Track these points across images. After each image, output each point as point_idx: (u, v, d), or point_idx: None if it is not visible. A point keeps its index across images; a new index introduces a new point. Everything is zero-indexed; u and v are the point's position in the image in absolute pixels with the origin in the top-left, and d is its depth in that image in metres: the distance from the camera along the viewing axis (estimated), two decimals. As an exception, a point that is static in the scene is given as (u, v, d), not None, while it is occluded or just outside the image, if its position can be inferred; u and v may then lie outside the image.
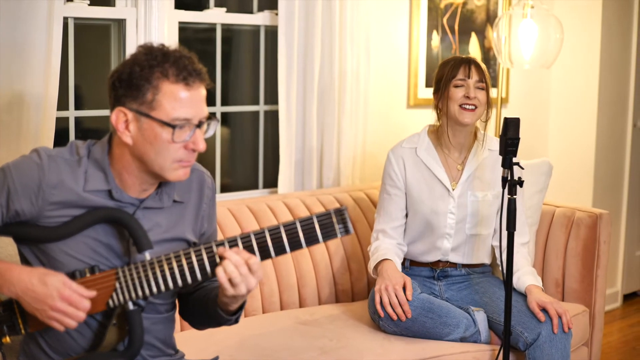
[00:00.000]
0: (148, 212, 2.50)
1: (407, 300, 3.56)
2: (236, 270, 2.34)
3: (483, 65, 3.81)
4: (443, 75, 3.79)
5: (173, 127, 2.35)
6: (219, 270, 2.35)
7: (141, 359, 2.56)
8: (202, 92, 2.43)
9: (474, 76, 3.74)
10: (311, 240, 2.34)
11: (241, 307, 2.58)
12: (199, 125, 2.41)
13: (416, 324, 3.56)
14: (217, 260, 2.38)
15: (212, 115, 2.46)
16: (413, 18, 5.04)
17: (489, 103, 3.80)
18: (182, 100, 2.36)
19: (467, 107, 3.73)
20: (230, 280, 2.36)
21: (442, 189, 3.82)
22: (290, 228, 2.34)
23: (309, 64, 4.37)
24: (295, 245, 2.35)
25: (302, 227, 2.34)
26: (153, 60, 2.36)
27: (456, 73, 3.75)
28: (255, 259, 2.36)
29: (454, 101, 3.75)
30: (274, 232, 2.35)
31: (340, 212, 2.33)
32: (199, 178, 2.66)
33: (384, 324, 3.62)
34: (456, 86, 3.75)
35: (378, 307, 3.59)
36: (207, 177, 2.69)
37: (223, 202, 3.95)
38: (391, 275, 3.65)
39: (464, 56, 3.84)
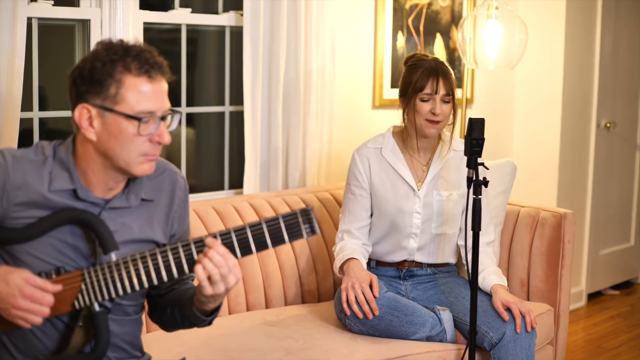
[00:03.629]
0: (114, 213, 2.49)
1: (374, 297, 3.57)
2: (216, 269, 2.34)
3: (450, 71, 3.80)
4: (410, 83, 3.78)
5: (139, 120, 2.35)
6: (198, 269, 2.35)
7: (107, 360, 2.56)
8: (164, 85, 2.44)
9: (441, 90, 3.73)
10: (277, 240, 2.34)
11: (217, 308, 2.58)
12: (163, 118, 2.41)
13: (382, 322, 3.57)
14: (183, 260, 2.37)
15: (174, 109, 2.47)
16: (378, 19, 5.05)
17: (454, 108, 3.80)
18: (146, 93, 2.37)
19: (433, 120, 3.74)
20: (209, 279, 2.36)
21: (407, 188, 3.83)
22: (256, 228, 2.34)
23: (274, 64, 4.37)
24: (261, 246, 2.35)
25: (268, 227, 2.33)
26: (114, 54, 2.36)
27: (424, 86, 3.72)
28: (234, 259, 2.36)
29: (420, 115, 3.74)
30: (240, 232, 2.34)
31: (306, 212, 2.33)
32: (171, 179, 2.66)
33: (350, 322, 3.62)
34: (423, 100, 3.74)
35: (344, 305, 3.59)
36: (179, 178, 2.69)
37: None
38: (357, 274, 3.65)
39: (430, 59, 3.82)
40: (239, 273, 2.39)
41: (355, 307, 3.56)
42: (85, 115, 2.38)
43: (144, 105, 2.36)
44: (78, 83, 2.39)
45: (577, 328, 5.80)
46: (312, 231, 2.34)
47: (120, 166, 2.41)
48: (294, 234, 2.34)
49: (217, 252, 2.34)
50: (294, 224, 2.33)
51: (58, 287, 2.36)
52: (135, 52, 2.38)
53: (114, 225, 2.47)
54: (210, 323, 2.63)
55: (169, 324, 2.72)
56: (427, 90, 3.72)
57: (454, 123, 3.85)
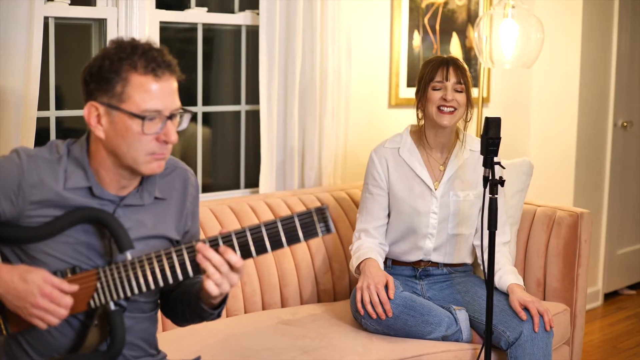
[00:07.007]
0: (129, 210, 2.50)
1: (389, 298, 3.57)
2: (217, 272, 2.34)
3: (464, 65, 3.81)
4: (423, 76, 3.81)
5: (142, 118, 2.35)
6: (204, 276, 2.35)
7: (123, 359, 2.56)
8: (173, 84, 2.42)
9: (452, 78, 3.75)
10: (292, 239, 2.33)
11: (224, 301, 2.58)
12: (171, 117, 2.41)
13: (398, 322, 3.57)
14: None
15: (185, 108, 2.46)
16: (394, 18, 5.05)
17: (470, 103, 3.81)
18: (152, 91, 2.36)
19: (445, 109, 3.75)
20: (213, 282, 2.36)
21: (424, 188, 3.83)
22: (271, 227, 2.33)
23: (290, 63, 4.37)
24: (276, 245, 2.34)
25: (283, 226, 2.33)
26: (122, 53, 2.37)
27: (434, 75, 3.77)
28: (236, 257, 2.36)
29: (432, 103, 3.76)
30: (255, 231, 2.34)
31: (321, 211, 2.32)
32: (183, 176, 2.66)
33: (365, 321, 3.62)
34: (434, 88, 3.76)
35: (359, 305, 3.59)
36: (190, 175, 2.69)
37: (205, 202, 3.94)
38: (373, 274, 3.65)
39: (445, 56, 3.85)
40: (242, 271, 2.40)
41: (369, 308, 3.57)
42: (94, 113, 2.39)
43: (150, 104, 2.36)
44: (88, 81, 2.40)
45: (593, 328, 5.78)
46: (327, 230, 2.33)
47: (129, 164, 2.42)
48: (309, 233, 2.33)
49: (223, 251, 2.35)
50: (309, 222, 2.32)
51: (74, 288, 2.37)
52: (143, 51, 2.37)
53: (128, 222, 2.47)
54: (218, 316, 2.63)
55: (179, 319, 2.73)
56: (438, 77, 3.76)
57: (469, 120, 3.85)
